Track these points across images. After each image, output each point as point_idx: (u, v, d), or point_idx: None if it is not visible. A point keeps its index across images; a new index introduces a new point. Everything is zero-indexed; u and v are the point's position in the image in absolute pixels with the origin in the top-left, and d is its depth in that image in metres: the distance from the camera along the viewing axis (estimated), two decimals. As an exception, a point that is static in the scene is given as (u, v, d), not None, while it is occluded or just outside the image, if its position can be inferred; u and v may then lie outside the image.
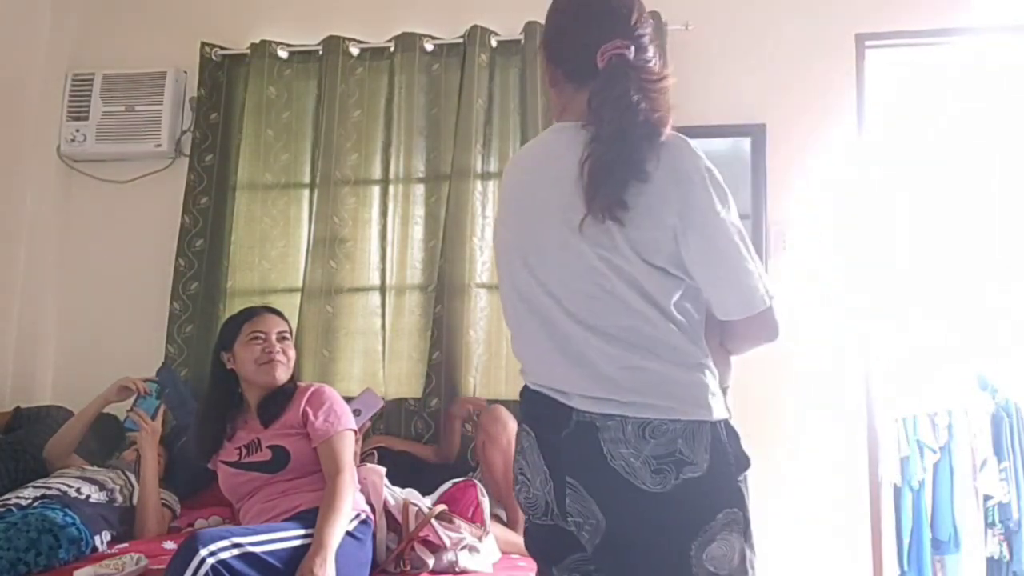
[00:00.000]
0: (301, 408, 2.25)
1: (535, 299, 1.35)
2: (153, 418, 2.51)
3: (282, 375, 2.31)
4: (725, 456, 1.26)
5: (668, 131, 1.28)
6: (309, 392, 2.30)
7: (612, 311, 1.28)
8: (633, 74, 1.30)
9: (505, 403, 2.82)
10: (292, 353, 2.37)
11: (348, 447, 2.22)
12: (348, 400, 2.60)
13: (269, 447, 2.22)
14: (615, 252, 1.28)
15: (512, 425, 2.68)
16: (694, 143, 1.31)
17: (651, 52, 1.37)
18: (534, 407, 1.36)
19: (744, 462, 1.28)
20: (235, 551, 1.81)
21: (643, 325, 1.27)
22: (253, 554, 1.85)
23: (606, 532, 1.26)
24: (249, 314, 2.40)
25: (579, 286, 1.30)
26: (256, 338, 2.31)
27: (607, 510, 1.25)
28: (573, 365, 1.30)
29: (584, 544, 1.30)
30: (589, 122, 1.30)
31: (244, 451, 2.24)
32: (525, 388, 1.39)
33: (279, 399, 2.29)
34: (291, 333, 2.44)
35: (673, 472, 1.22)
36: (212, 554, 1.77)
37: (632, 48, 1.32)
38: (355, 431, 2.31)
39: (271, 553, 1.89)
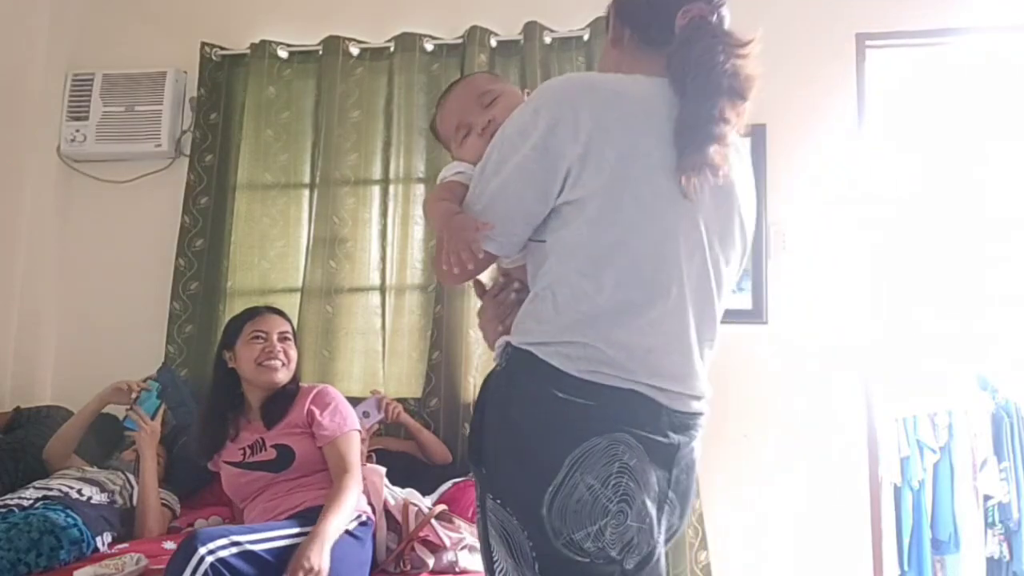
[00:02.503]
0: (306, 408, 2.26)
1: (688, 266, 1.14)
2: (153, 418, 2.50)
3: (282, 376, 2.31)
4: None
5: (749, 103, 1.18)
6: (313, 392, 2.30)
7: (710, 293, 1.18)
8: (719, 35, 1.21)
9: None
10: (293, 354, 2.37)
11: (354, 448, 2.23)
12: (354, 401, 2.60)
13: (274, 446, 2.23)
14: (705, 230, 1.17)
15: None
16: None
17: (728, 23, 1.28)
18: (634, 411, 1.10)
19: None
20: (234, 549, 1.81)
21: (717, 311, 1.21)
22: (252, 552, 1.85)
23: (669, 537, 1.18)
24: (252, 313, 2.41)
25: (694, 264, 1.15)
26: (257, 338, 2.32)
27: (684, 513, 1.19)
28: (688, 354, 1.15)
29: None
30: (672, 84, 1.19)
31: (248, 451, 2.25)
32: (607, 388, 1.09)
33: (282, 399, 2.30)
34: (293, 334, 2.44)
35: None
36: (211, 552, 1.77)
37: (715, 16, 1.25)
38: (360, 431, 2.32)
39: (269, 550, 1.89)
